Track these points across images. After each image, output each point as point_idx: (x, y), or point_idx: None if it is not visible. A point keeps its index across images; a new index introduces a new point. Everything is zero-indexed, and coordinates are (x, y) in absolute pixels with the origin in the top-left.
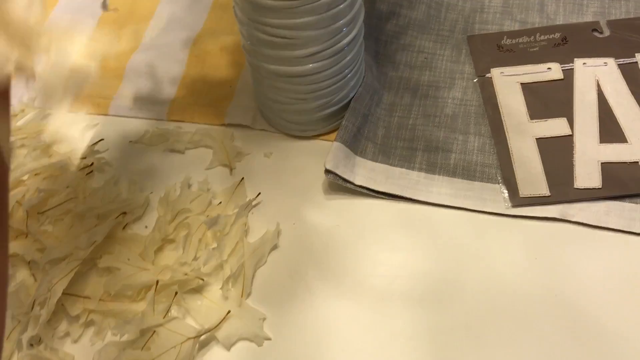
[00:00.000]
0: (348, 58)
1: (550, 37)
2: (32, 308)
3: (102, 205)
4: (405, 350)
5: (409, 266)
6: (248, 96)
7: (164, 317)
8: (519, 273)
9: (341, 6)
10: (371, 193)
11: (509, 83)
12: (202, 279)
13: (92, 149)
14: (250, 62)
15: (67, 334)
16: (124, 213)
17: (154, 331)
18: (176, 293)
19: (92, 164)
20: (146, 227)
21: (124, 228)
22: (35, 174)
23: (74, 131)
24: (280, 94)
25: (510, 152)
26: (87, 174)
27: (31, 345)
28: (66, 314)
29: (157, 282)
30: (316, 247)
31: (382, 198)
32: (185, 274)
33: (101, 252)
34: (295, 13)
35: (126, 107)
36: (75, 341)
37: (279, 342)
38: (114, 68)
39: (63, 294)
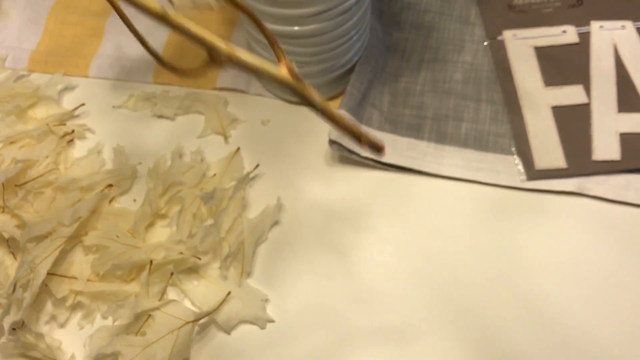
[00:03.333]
0: (355, 19)
1: None
2: (14, 290)
3: (85, 177)
4: (413, 331)
5: (418, 243)
6: None
7: (160, 300)
8: (535, 250)
9: None
10: (378, 165)
11: (522, 47)
12: (199, 258)
13: (72, 114)
14: (246, 22)
15: (53, 318)
16: (110, 185)
17: (150, 315)
18: (172, 274)
19: (72, 131)
20: (135, 200)
21: (110, 202)
22: (11, 142)
23: (51, 94)
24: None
25: (525, 121)
26: (67, 142)
27: (14, 330)
28: (51, 296)
29: (151, 262)
30: (320, 222)
31: (390, 170)
32: (181, 253)
33: (87, 229)
34: None
35: (108, 67)
36: (62, 325)
37: (282, 325)
38: (92, 25)
39: (47, 274)
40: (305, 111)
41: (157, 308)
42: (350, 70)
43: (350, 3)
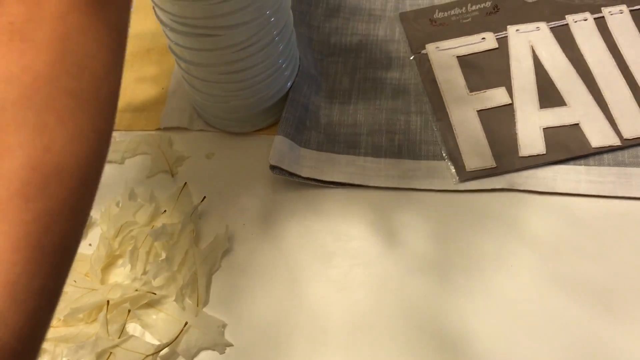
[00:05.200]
0: (280, 48)
1: (482, 6)
2: None
3: None
4: (368, 339)
5: (363, 254)
6: (182, 97)
7: (119, 337)
8: (475, 247)
9: None
10: (320, 184)
11: (445, 57)
12: (154, 293)
13: None
14: (178, 63)
15: None
16: None
17: (110, 352)
18: (129, 311)
19: None
20: (90, 245)
21: None
22: None
23: None
24: (214, 92)
25: (453, 127)
26: None
27: None
28: None
29: (108, 302)
30: (269, 245)
31: (331, 187)
32: (136, 290)
33: None
34: (216, 6)
35: None
36: None
37: (241, 347)
38: None
39: None
40: (247, 141)
41: (117, 345)
42: (285, 97)
43: (273, 35)
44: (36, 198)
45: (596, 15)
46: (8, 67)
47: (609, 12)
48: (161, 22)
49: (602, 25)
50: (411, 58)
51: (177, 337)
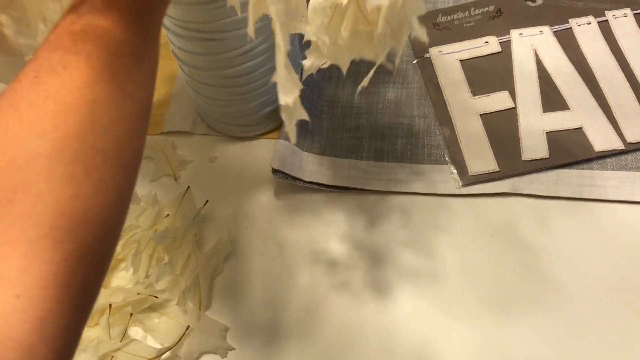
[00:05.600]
0: None
1: (485, 10)
2: None
3: None
4: (365, 342)
5: (366, 259)
6: (186, 101)
7: (121, 341)
8: (478, 251)
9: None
10: (322, 188)
11: (448, 61)
12: (156, 297)
13: None
14: (182, 67)
15: None
16: None
17: (112, 356)
18: (131, 314)
19: None
20: None
21: None
22: None
23: None
24: (217, 96)
25: (456, 131)
26: None
27: None
28: None
29: (110, 305)
30: (271, 249)
31: (334, 191)
32: (139, 294)
33: None
34: (218, 10)
35: None
36: None
37: (243, 351)
38: None
39: None
40: (250, 145)
41: (119, 349)
42: None
43: (271, 42)
44: (64, 241)
45: (600, 19)
46: (42, 125)
47: (613, 15)
48: (164, 26)
49: (605, 29)
50: (414, 62)
51: (179, 340)
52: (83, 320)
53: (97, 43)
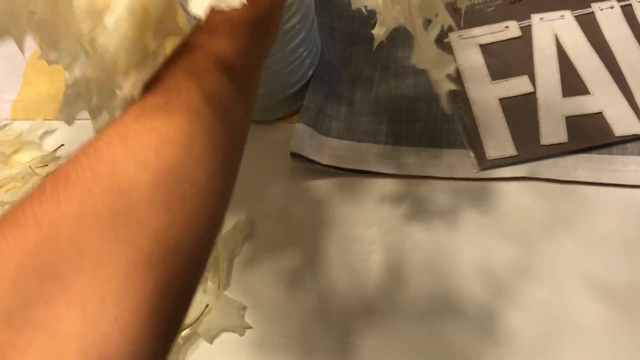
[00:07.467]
0: (300, 37)
1: None
2: None
3: None
4: (389, 322)
5: (382, 241)
6: None
7: None
8: (495, 236)
9: None
10: (339, 171)
11: (467, 46)
12: None
13: (53, 155)
14: None
15: None
16: None
17: None
18: None
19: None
20: None
21: None
22: None
23: (33, 138)
24: None
25: (475, 115)
26: None
27: None
28: None
29: None
30: (289, 231)
31: (351, 175)
32: None
33: None
34: None
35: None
36: None
37: (261, 330)
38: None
39: None
40: (268, 129)
41: None
42: (306, 86)
43: (293, 23)
44: (157, 268)
45: (623, 3)
46: (146, 156)
47: None
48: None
49: (629, 13)
50: None
51: (198, 318)
52: (169, 346)
53: (204, 79)
